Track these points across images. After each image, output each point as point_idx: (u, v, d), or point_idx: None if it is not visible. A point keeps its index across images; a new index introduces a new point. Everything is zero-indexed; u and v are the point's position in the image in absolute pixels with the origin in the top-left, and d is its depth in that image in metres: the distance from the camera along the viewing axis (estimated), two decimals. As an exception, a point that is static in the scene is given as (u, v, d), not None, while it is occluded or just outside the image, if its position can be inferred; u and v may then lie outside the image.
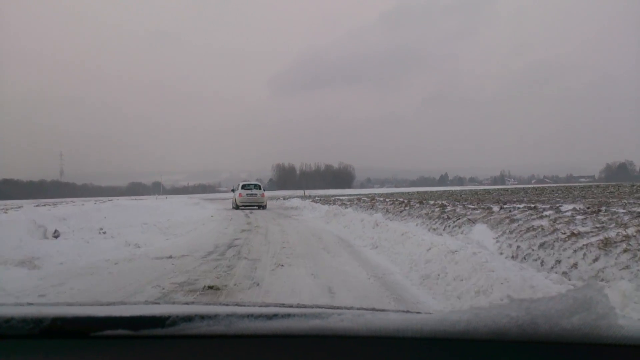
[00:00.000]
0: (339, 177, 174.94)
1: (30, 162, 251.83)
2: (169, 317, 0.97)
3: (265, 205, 27.44)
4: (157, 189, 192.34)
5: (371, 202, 19.94)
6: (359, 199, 24.51)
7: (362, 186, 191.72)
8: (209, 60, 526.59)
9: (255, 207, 27.06)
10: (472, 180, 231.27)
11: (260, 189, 27.46)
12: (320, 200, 27.42)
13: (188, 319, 0.97)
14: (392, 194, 41.50)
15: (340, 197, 29.37)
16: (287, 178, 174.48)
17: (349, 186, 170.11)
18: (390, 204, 17.36)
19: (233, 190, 29.62)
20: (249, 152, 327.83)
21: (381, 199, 21.86)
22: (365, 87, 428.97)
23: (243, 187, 27.66)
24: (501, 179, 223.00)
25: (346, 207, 19.20)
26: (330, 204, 22.91)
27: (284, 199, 39.53)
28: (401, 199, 19.32)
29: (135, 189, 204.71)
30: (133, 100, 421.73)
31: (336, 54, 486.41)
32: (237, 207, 27.11)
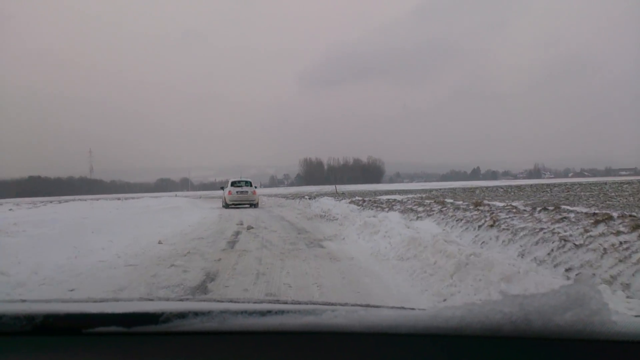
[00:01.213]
0: (368, 172, 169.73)
1: (60, 159, 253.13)
2: (162, 314, 0.96)
3: (257, 204, 25.62)
4: (185, 185, 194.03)
5: (454, 210, 10.35)
6: (418, 203, 16.39)
7: (391, 181, 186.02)
8: (238, 59, 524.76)
9: (246, 206, 25.24)
10: (506, 174, 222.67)
11: (251, 185, 25.68)
12: (362, 201, 18.66)
13: (181, 315, 0.95)
14: (453, 191, 34.25)
15: (385, 197, 22.13)
16: (315, 173, 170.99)
17: (379, 181, 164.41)
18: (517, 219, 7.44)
19: (222, 188, 27.87)
20: (276, 147, 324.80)
21: (458, 202, 13.57)
22: (395, 80, 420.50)
23: (233, 184, 25.49)
24: (537, 172, 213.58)
25: (419, 217, 11.53)
26: (379, 207, 15.99)
27: (309, 197, 28.11)
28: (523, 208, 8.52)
29: (163, 185, 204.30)
30: (163, 98, 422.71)
31: (366, 48, 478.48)
32: (226, 205, 25.16)
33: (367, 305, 1.15)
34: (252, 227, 12.11)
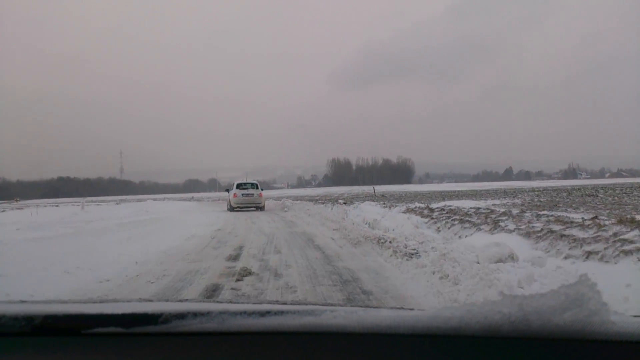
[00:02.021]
0: (398, 172, 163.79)
1: (92, 161, 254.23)
2: (161, 315, 0.95)
3: (263, 207, 24.57)
4: (212, 185, 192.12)
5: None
6: (506, 214, 9.85)
7: (420, 181, 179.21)
8: (268, 61, 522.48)
9: (252, 209, 24.16)
10: (540, 175, 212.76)
11: (257, 188, 24.61)
12: (426, 210, 12.98)
13: (181, 316, 0.94)
14: (520, 195, 27.66)
15: (441, 203, 15.84)
16: (343, 174, 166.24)
17: (408, 181, 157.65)
18: None
19: (227, 191, 26.36)
20: (304, 148, 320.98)
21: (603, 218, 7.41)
22: (425, 79, 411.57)
23: (238, 186, 24.22)
24: (572, 172, 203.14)
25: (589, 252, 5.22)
26: (463, 222, 9.69)
27: (345, 202, 22.83)
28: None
29: (192, 186, 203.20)
30: (191, 99, 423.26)
31: (398, 47, 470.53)
32: (232, 208, 23.87)
33: (367, 306, 1.12)
34: (251, 272, 5.87)
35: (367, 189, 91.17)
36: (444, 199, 25.35)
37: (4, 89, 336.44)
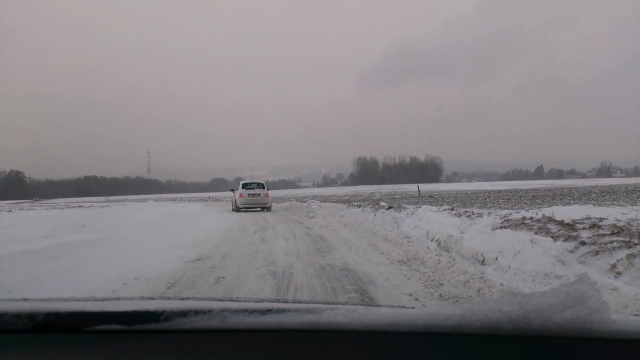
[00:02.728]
0: (426, 171, 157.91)
1: (120, 160, 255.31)
2: (163, 312, 0.94)
3: (270, 207, 23.42)
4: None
5: None
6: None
7: (448, 180, 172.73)
8: (295, 60, 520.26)
9: (258, 209, 23.02)
10: (572, 173, 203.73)
11: (263, 188, 23.66)
12: (528, 222, 7.15)
13: (182, 314, 0.94)
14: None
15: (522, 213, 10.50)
16: (369, 172, 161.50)
17: (437, 180, 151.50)
18: None
19: (233, 190, 25.12)
20: (330, 146, 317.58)
21: None
22: (454, 77, 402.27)
23: (244, 186, 23.34)
24: (606, 171, 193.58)
25: None
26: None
27: (389, 206, 15.60)
28: None
29: (218, 185, 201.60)
30: (219, 97, 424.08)
31: (427, 45, 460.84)
32: (237, 209, 22.86)
33: (368, 305, 1.15)
34: None
35: (397, 187, 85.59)
36: (520, 201, 19.86)
37: (37, 92, 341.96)
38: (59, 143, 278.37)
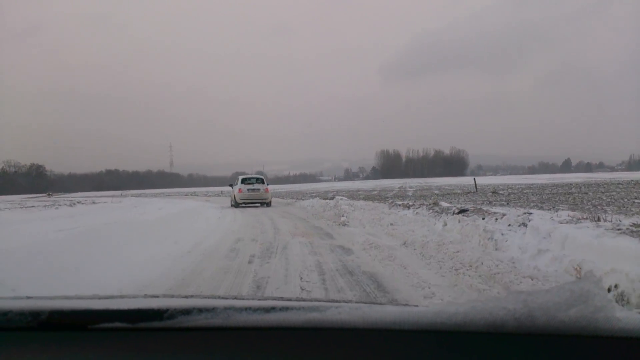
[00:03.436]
0: (451, 164, 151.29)
1: (142, 154, 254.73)
2: (166, 310, 0.93)
3: (270, 202, 22.01)
4: (237, 179, 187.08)
5: None
6: None
7: (472, 174, 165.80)
8: (318, 53, 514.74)
9: (257, 205, 21.66)
10: (601, 166, 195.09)
11: (263, 182, 22.32)
12: None
13: (186, 312, 0.93)
14: None
15: None
16: (392, 166, 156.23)
17: (462, 174, 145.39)
18: None
19: (231, 185, 23.90)
20: (351, 140, 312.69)
21: None
22: (478, 69, 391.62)
23: (243, 181, 21.91)
24: (636, 164, 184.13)
25: None
26: None
27: (460, 210, 9.30)
28: None
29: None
30: (241, 92, 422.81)
31: (452, 37, 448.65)
32: (236, 204, 21.44)
33: (372, 303, 1.21)
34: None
35: (424, 181, 79.86)
36: (617, 201, 14.46)
37: (63, 89, 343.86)
38: (83, 138, 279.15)
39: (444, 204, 12.03)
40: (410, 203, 13.69)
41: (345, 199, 18.96)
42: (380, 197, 26.36)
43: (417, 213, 11.53)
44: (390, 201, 17.10)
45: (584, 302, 0.75)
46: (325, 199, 20.02)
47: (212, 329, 0.90)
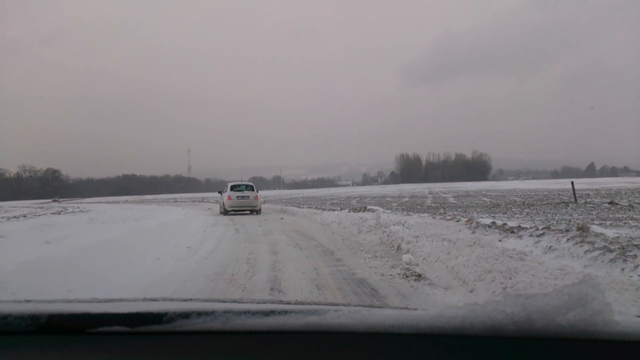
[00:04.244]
0: (473, 168, 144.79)
1: (159, 158, 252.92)
2: (166, 314, 0.93)
3: (260, 210, 21.16)
4: (277, 183, 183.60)
5: None
6: None
7: (493, 178, 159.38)
8: (339, 57, 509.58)
9: (247, 212, 20.95)
10: (626, 170, 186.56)
11: (253, 189, 21.39)
12: None
13: (185, 315, 0.92)
14: None
15: None
16: (412, 170, 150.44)
17: (484, 178, 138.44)
18: None
19: (220, 192, 23.16)
20: (370, 144, 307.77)
21: None
22: (501, 71, 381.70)
23: (232, 188, 21.23)
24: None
25: None
26: None
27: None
28: None
29: (256, 184, 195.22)
30: (260, 95, 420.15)
31: (475, 39, 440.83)
32: (225, 212, 20.90)
33: (371, 306, 1.10)
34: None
35: (449, 186, 73.86)
36: None
37: (81, 94, 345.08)
38: (103, 144, 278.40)
39: (596, 229, 6.27)
40: (513, 225, 7.91)
41: (382, 210, 13.25)
42: (423, 206, 20.51)
43: (551, 248, 5.83)
44: (449, 215, 11.33)
45: (583, 305, 0.74)
46: (355, 210, 14.22)
47: (211, 333, 0.89)
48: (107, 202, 53.68)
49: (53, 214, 23.37)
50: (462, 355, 0.79)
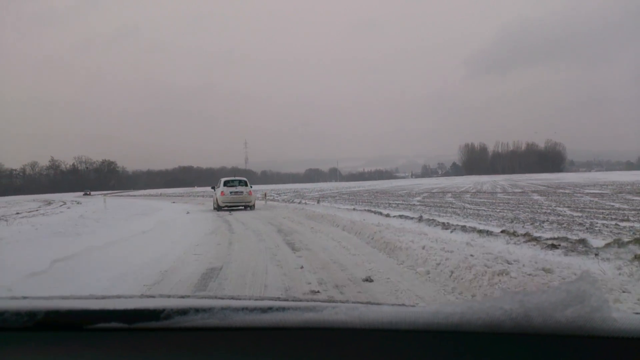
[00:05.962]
0: (546, 159, 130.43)
1: (217, 151, 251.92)
2: (163, 310, 0.92)
3: (253, 206, 21.22)
4: (333, 175, 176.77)
5: None
6: None
7: (565, 170, 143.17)
8: (398, 47, 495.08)
9: (241, 208, 20.98)
10: None
11: (246, 185, 21.15)
12: None
13: (183, 312, 0.91)
14: None
15: None
16: (477, 160, 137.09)
17: (558, 169, 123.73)
18: None
19: (213, 188, 23.08)
20: (430, 135, 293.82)
21: None
22: (573, 59, 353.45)
23: (226, 183, 20.89)
24: None
25: None
26: None
27: None
28: None
29: (312, 176, 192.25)
30: (316, 89, 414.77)
31: (546, 27, 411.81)
32: (218, 207, 20.86)
33: (369, 303, 1.10)
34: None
35: (526, 177, 62.81)
36: None
37: (142, 86, 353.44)
38: (163, 137, 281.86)
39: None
40: None
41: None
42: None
43: None
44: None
45: (581, 302, 0.74)
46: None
47: (209, 329, 0.89)
48: (142, 196, 48.22)
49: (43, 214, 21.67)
50: (460, 351, 0.79)
